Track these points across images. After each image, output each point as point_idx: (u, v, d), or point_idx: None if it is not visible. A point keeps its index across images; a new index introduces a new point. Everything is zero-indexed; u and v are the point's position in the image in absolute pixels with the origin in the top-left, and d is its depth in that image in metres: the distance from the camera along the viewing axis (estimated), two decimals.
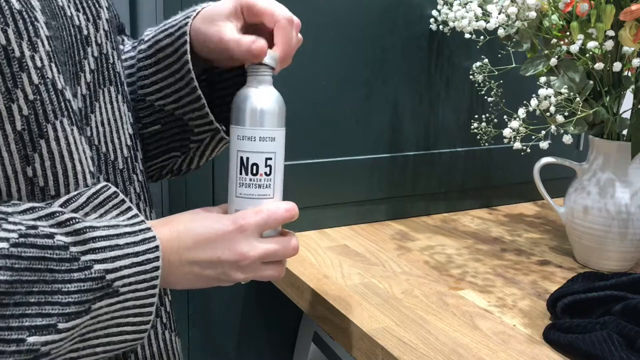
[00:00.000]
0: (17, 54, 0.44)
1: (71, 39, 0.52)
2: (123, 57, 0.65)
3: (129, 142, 0.58)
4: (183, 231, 0.51)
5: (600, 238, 0.85)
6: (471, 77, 0.98)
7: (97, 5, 0.55)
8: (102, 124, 0.55)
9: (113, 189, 0.50)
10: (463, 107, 1.11)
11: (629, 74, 0.86)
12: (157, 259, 0.48)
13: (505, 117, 0.86)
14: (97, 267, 0.45)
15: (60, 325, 0.42)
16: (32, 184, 0.46)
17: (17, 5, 0.44)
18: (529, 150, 0.81)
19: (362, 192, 1.04)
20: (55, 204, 0.46)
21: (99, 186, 0.49)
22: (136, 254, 0.47)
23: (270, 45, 0.57)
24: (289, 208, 0.56)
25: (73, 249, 0.44)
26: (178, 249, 0.51)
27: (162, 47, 0.61)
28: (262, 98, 0.56)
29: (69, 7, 0.52)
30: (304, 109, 0.96)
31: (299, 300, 0.83)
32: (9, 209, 0.44)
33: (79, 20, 0.53)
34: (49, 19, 0.48)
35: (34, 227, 0.43)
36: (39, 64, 0.46)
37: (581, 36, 0.79)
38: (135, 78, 0.64)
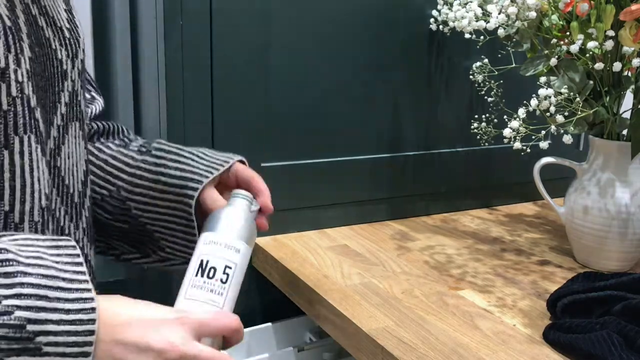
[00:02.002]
0: (2, 64, 0.45)
1: (53, 69, 0.53)
2: (124, 151, 0.69)
3: (83, 178, 0.59)
4: (119, 306, 0.47)
5: (600, 238, 0.85)
6: (471, 77, 0.98)
7: (76, 45, 0.57)
8: (68, 157, 0.56)
9: (73, 242, 0.47)
10: (463, 107, 1.11)
11: (629, 74, 0.86)
12: (92, 321, 0.43)
13: (505, 117, 0.86)
14: (18, 313, 0.40)
15: None
16: None
17: (8, 22, 0.46)
18: (529, 150, 0.81)
19: (362, 192, 1.04)
20: (1, 239, 0.44)
21: (62, 238, 0.47)
22: (67, 312, 0.43)
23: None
24: (237, 322, 0.52)
25: None
26: (107, 323, 0.45)
27: (168, 185, 0.65)
28: (238, 214, 0.59)
29: (54, 40, 0.54)
30: (304, 109, 0.96)
31: (299, 300, 0.83)
32: None
33: (61, 55, 0.55)
34: (33, 45, 0.50)
35: None
36: (20, 78, 0.47)
37: (581, 36, 0.79)
38: (125, 177, 0.66)
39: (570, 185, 0.90)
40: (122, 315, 0.47)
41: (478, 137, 0.94)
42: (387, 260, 0.89)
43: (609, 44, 0.77)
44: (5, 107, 0.46)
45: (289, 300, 0.86)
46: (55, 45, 0.54)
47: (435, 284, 0.81)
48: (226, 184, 0.67)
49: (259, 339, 0.93)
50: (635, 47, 0.78)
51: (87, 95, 0.73)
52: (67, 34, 0.56)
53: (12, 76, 0.46)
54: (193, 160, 0.66)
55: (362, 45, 0.99)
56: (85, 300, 0.44)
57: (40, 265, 0.43)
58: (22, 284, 0.41)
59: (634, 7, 0.74)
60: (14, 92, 0.46)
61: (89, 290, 0.44)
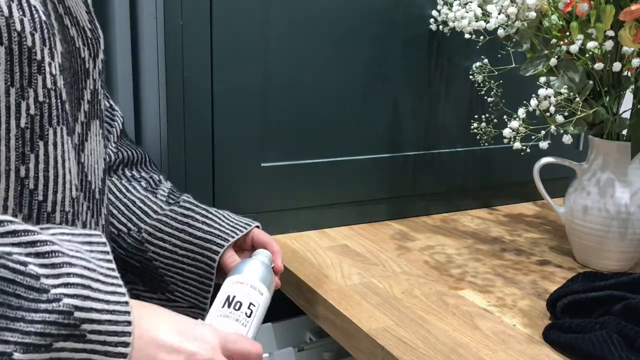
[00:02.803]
0: (39, 57, 0.47)
1: (77, 67, 0.55)
2: (152, 198, 0.74)
3: (102, 176, 0.60)
4: (150, 306, 0.50)
5: (600, 238, 0.85)
6: (471, 77, 0.98)
7: (97, 45, 0.59)
8: (91, 153, 0.57)
9: (103, 238, 0.49)
10: (463, 107, 1.11)
11: (629, 74, 0.86)
12: (128, 313, 0.45)
13: (505, 117, 0.87)
14: (66, 300, 0.42)
15: (16, 356, 0.40)
16: (22, 185, 0.47)
17: (43, 17, 0.48)
18: (528, 150, 0.81)
19: (362, 192, 1.04)
20: (44, 232, 0.45)
21: (92, 232, 0.49)
22: (107, 302, 0.45)
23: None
24: (260, 350, 0.55)
25: (44, 280, 0.42)
26: (142, 322, 0.47)
27: (194, 238, 0.70)
28: (261, 264, 0.65)
29: (78, 39, 0.55)
30: (304, 109, 0.96)
31: (299, 300, 0.83)
32: None
33: (84, 53, 0.56)
34: (62, 40, 0.52)
35: (9, 253, 0.42)
36: (54, 71, 0.49)
37: (581, 36, 0.79)
38: (149, 220, 0.71)
39: (570, 185, 0.90)
40: (155, 314, 0.49)
41: (478, 137, 0.94)
42: (387, 260, 0.89)
43: (609, 44, 0.77)
44: (41, 98, 0.47)
45: (289, 300, 0.86)
46: (79, 44, 0.55)
47: (435, 284, 0.81)
48: (241, 246, 0.73)
49: (259, 339, 0.93)
50: (635, 47, 0.78)
51: (106, 103, 0.77)
52: (89, 34, 0.57)
53: (47, 69, 0.48)
54: (220, 219, 0.72)
55: (362, 46, 0.99)
56: (120, 294, 0.46)
57: (81, 259, 0.45)
58: (68, 274, 0.43)
59: (633, 7, 0.74)
60: (49, 84, 0.48)
61: (120, 285, 0.47)
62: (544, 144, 0.79)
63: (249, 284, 0.61)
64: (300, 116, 0.96)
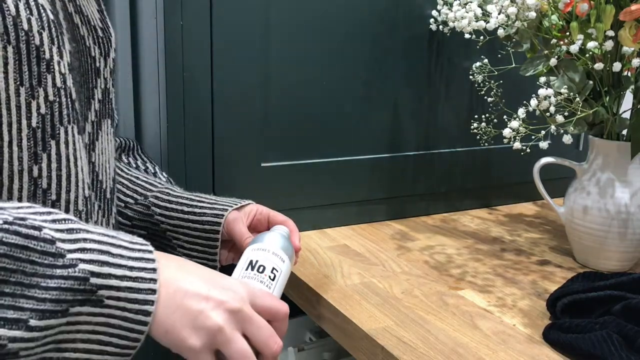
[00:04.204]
0: (47, 56, 0.47)
1: (87, 66, 0.55)
2: (154, 177, 0.76)
3: (113, 175, 0.60)
4: (182, 260, 0.51)
5: (600, 238, 0.85)
6: (471, 77, 0.98)
7: (108, 44, 0.59)
8: (102, 153, 0.57)
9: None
10: (463, 107, 1.11)
11: (629, 74, 0.86)
12: (153, 281, 0.46)
13: (505, 117, 0.87)
14: (82, 266, 0.42)
15: (32, 322, 0.40)
16: (36, 185, 0.47)
17: (51, 16, 0.48)
18: (528, 150, 0.81)
19: (362, 192, 1.04)
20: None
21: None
22: (130, 268, 0.45)
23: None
24: (287, 309, 0.54)
25: (60, 244, 0.42)
26: (172, 275, 0.48)
27: (202, 203, 0.71)
28: (281, 235, 0.65)
29: (88, 38, 0.55)
30: (304, 109, 0.96)
31: (299, 300, 0.83)
32: (6, 205, 0.43)
33: (95, 52, 0.56)
34: (71, 39, 0.52)
35: (23, 219, 0.41)
36: (63, 70, 0.48)
37: (581, 36, 0.79)
38: (156, 189, 0.72)
39: (570, 185, 0.90)
40: (186, 267, 0.50)
41: (478, 137, 0.94)
42: (387, 260, 0.89)
43: (609, 44, 0.77)
44: (51, 97, 0.47)
45: (289, 300, 0.86)
46: (89, 43, 0.55)
47: (435, 284, 0.81)
48: (256, 227, 0.73)
49: None
50: (635, 47, 0.78)
51: None
52: (100, 33, 0.57)
53: (56, 67, 0.48)
54: (227, 198, 0.74)
55: (362, 45, 0.99)
56: (147, 260, 0.46)
57: (100, 229, 0.46)
58: (85, 240, 0.43)
59: (633, 7, 0.74)
60: (58, 83, 0.48)
61: (150, 251, 0.47)
62: (544, 144, 0.79)
63: (271, 250, 0.61)
64: (300, 116, 0.96)
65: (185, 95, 0.86)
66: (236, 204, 0.72)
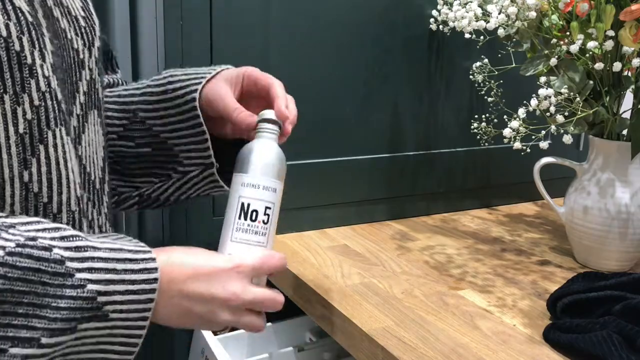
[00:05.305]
0: (29, 61, 0.46)
1: (70, 60, 0.54)
2: (132, 84, 0.70)
3: (102, 164, 0.60)
4: (179, 262, 0.52)
5: (600, 238, 0.85)
6: (471, 77, 0.98)
7: (92, 33, 0.58)
8: (89, 145, 0.57)
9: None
10: (463, 107, 1.11)
11: (629, 74, 0.86)
12: (153, 291, 0.48)
13: (505, 117, 0.87)
14: (90, 287, 0.45)
15: (44, 340, 0.42)
16: (27, 190, 0.47)
17: (29, 18, 0.47)
18: (529, 150, 0.81)
19: (362, 192, 1.04)
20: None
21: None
22: (132, 282, 0.47)
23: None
24: (282, 256, 0.58)
25: (69, 264, 0.44)
26: (173, 279, 0.51)
27: (175, 89, 0.66)
28: (268, 151, 0.61)
29: (69, 30, 0.54)
30: (304, 109, 0.96)
31: (299, 300, 0.83)
32: (15, 220, 0.44)
33: (77, 44, 0.55)
34: (52, 37, 0.51)
35: (33, 239, 0.43)
36: (46, 73, 0.48)
37: (581, 36, 0.79)
38: (137, 98, 0.68)
39: (570, 185, 0.90)
40: (183, 269, 0.51)
41: (478, 137, 0.94)
42: (387, 260, 0.89)
43: (609, 44, 0.77)
44: (36, 102, 0.47)
45: (289, 300, 0.85)
46: (71, 35, 0.54)
47: (435, 284, 0.81)
48: (250, 92, 0.67)
49: (259, 339, 0.93)
50: (635, 47, 0.78)
51: (115, 76, 0.75)
52: (82, 23, 0.56)
53: (39, 71, 0.47)
54: (199, 68, 0.68)
55: (362, 46, 0.99)
56: (149, 270, 0.48)
57: (106, 242, 0.48)
58: (92, 258, 0.45)
59: (634, 7, 0.74)
60: (42, 87, 0.48)
61: (153, 259, 0.49)
62: (544, 144, 0.79)
63: (260, 185, 0.60)
64: (299, 116, 0.96)
65: None
66: (204, 77, 0.65)
